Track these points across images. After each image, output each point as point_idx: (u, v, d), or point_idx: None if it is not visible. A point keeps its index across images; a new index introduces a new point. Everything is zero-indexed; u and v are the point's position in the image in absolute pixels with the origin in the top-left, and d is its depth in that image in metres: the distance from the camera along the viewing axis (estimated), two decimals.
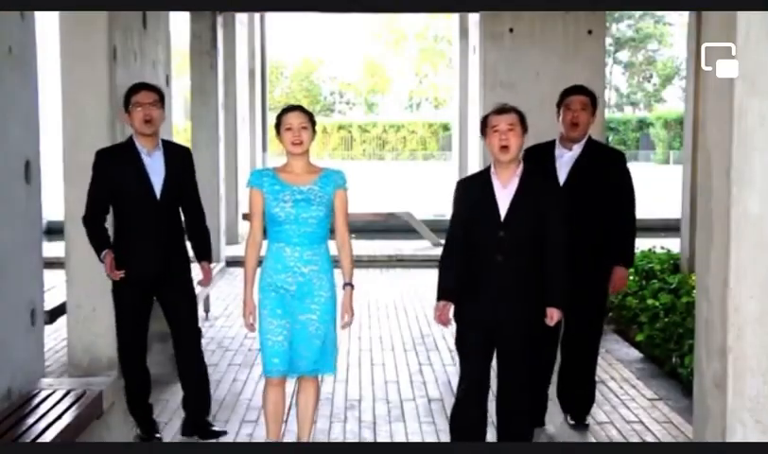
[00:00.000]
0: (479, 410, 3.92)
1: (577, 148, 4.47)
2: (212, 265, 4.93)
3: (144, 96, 4.32)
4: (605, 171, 4.46)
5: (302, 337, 3.96)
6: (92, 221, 4.40)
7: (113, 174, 4.34)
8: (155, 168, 4.34)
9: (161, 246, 4.35)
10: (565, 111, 4.46)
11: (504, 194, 3.77)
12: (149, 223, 4.32)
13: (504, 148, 3.71)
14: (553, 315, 3.76)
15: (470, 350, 3.88)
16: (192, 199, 4.56)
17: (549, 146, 4.53)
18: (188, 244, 4.64)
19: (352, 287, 4.05)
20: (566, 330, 4.54)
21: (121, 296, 4.42)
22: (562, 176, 4.41)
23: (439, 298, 3.89)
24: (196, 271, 4.72)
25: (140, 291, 4.41)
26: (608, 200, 4.43)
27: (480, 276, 3.79)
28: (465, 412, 3.94)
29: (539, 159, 4.37)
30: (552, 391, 4.79)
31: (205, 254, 4.64)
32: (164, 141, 4.48)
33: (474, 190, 3.87)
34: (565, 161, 4.46)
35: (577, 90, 4.53)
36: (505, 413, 3.91)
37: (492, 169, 3.84)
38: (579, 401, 4.78)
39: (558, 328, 4.30)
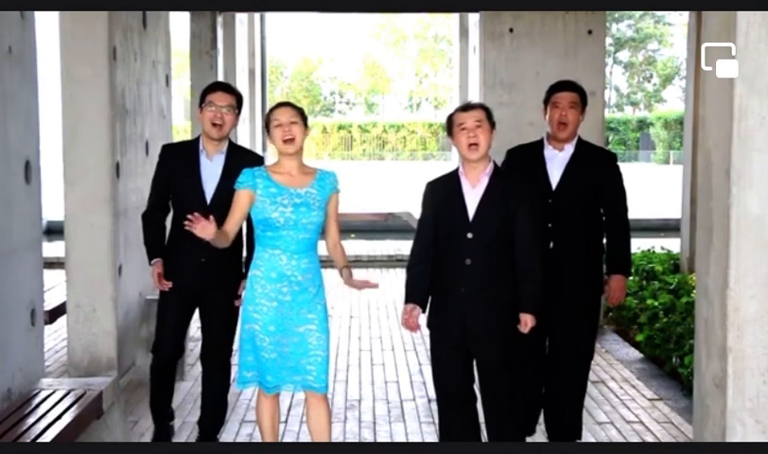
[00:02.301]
0: (460, 414, 3.79)
1: (569, 148, 4.15)
2: None
3: (219, 96, 4.14)
4: (598, 173, 4.19)
5: (303, 349, 3.71)
6: (148, 219, 4.31)
7: (169, 172, 4.24)
8: (211, 173, 4.18)
9: (207, 254, 4.09)
10: (552, 108, 4.13)
11: (473, 194, 3.64)
12: None
13: (473, 145, 3.58)
14: (527, 321, 3.60)
15: (441, 356, 3.76)
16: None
17: (537, 146, 4.22)
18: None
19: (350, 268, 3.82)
20: (550, 348, 4.25)
21: (165, 303, 4.30)
22: (555, 178, 4.13)
23: (407, 301, 3.75)
24: None
25: (185, 299, 4.27)
26: (601, 203, 4.21)
27: (448, 280, 3.66)
28: (447, 420, 3.84)
29: (527, 160, 4.15)
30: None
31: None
32: (233, 146, 4.30)
33: (442, 191, 3.73)
34: (557, 162, 4.14)
35: (565, 86, 4.19)
36: (493, 424, 3.78)
37: (460, 169, 3.70)
38: (564, 432, 4.31)
39: (537, 333, 4.08)
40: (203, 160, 4.21)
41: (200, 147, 4.23)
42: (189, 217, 3.55)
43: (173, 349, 4.37)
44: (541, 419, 4.48)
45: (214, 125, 4.13)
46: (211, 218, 3.59)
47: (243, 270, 4.23)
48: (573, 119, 4.12)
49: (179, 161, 4.26)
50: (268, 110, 3.83)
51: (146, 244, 4.34)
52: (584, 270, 4.17)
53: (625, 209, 4.27)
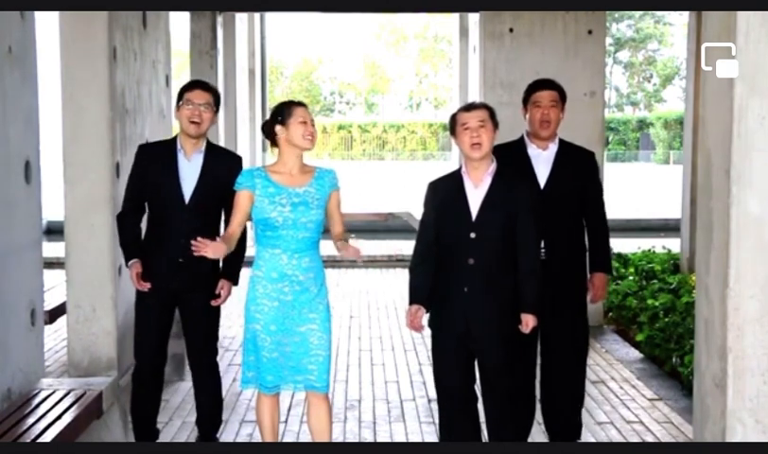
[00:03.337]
0: (461, 414, 3.79)
1: (553, 147, 4.16)
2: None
3: (197, 94, 4.11)
4: (582, 172, 4.23)
5: (304, 349, 3.73)
6: (124, 219, 4.26)
7: (147, 171, 4.19)
8: (190, 172, 4.15)
9: (185, 255, 4.03)
10: (533, 108, 4.13)
11: (476, 194, 3.65)
12: (175, 229, 4.10)
13: (476, 145, 3.59)
14: (528, 322, 3.61)
15: (442, 356, 3.76)
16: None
17: (519, 145, 4.20)
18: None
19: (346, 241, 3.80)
20: (545, 349, 4.26)
21: (143, 304, 4.25)
22: (542, 177, 4.11)
23: (411, 302, 3.74)
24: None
25: (163, 300, 4.21)
26: (583, 202, 4.22)
27: (450, 280, 3.66)
28: (447, 420, 3.84)
29: (510, 159, 4.08)
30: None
31: (228, 274, 4.23)
32: (211, 145, 4.28)
33: (444, 191, 3.74)
34: (542, 161, 4.14)
35: (545, 84, 4.19)
36: (494, 424, 3.78)
37: (463, 169, 3.71)
38: (564, 431, 4.32)
39: (535, 331, 4.22)
40: (181, 159, 4.18)
41: (178, 146, 4.20)
42: (195, 243, 3.55)
43: (157, 354, 4.29)
44: (540, 419, 4.48)
45: (192, 122, 4.10)
46: (218, 239, 3.66)
47: (222, 270, 4.24)
48: (555, 117, 4.14)
49: (156, 160, 4.21)
50: (283, 102, 3.80)
51: (122, 245, 4.28)
52: (573, 269, 4.20)
53: (604, 207, 4.31)
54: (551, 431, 4.37)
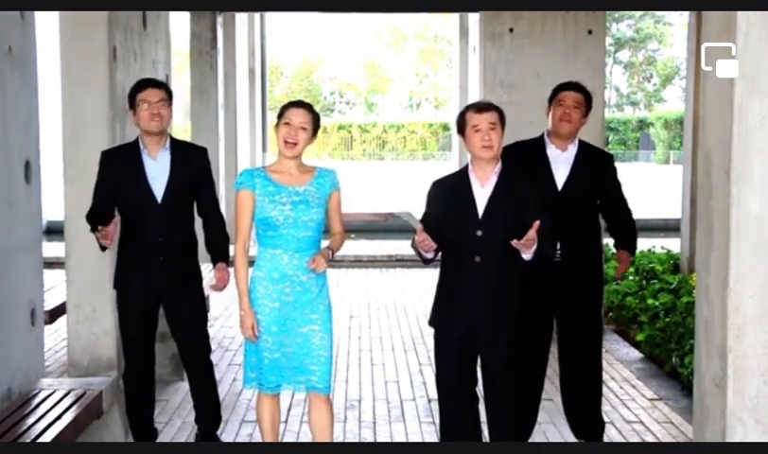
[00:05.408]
0: (462, 415, 3.79)
1: (572, 149, 4.17)
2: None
3: (151, 93, 4.10)
4: (600, 174, 4.24)
5: (306, 350, 3.72)
6: (93, 214, 4.17)
7: (114, 176, 4.17)
8: (159, 171, 4.14)
9: (164, 253, 4.11)
10: (556, 106, 4.16)
11: (482, 192, 3.66)
12: (151, 229, 4.10)
13: (487, 147, 3.60)
14: (536, 224, 3.41)
15: (445, 356, 3.76)
16: (207, 202, 4.30)
17: (538, 144, 4.22)
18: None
19: (332, 251, 3.76)
20: (561, 352, 4.28)
21: (124, 308, 4.22)
22: (560, 178, 4.14)
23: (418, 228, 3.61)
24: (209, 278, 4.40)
25: (145, 301, 4.19)
26: (604, 203, 4.26)
27: (457, 278, 3.67)
28: (448, 421, 3.83)
29: (528, 158, 4.13)
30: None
31: (220, 256, 4.26)
32: (174, 141, 4.29)
33: (450, 189, 3.75)
34: (561, 162, 4.15)
35: (571, 86, 4.23)
36: (496, 425, 3.77)
37: (470, 167, 3.73)
38: (591, 429, 4.38)
39: (549, 330, 4.21)
40: (147, 159, 4.16)
41: (141, 147, 4.18)
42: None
43: (145, 355, 4.28)
44: (540, 419, 4.49)
45: (153, 121, 4.09)
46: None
47: (211, 256, 4.28)
48: (576, 118, 4.15)
49: (121, 164, 4.18)
50: (285, 104, 3.78)
51: (93, 221, 4.10)
52: (587, 270, 4.21)
53: (628, 206, 4.37)
54: (575, 431, 4.40)
